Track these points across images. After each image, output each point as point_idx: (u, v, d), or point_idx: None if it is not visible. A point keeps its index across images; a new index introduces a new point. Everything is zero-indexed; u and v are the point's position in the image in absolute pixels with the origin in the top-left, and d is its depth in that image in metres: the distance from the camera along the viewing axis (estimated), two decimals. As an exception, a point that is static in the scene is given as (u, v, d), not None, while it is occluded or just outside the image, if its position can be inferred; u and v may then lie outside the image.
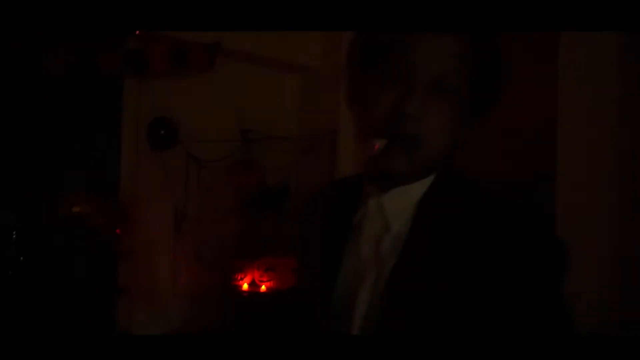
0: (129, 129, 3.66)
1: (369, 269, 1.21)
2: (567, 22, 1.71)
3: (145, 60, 3.40)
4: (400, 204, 1.22)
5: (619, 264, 2.24)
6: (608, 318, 2.18)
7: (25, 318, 2.96)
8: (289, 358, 1.15)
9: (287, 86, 4.05)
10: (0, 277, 3.04)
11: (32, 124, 3.39)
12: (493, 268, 1.10)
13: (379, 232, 1.22)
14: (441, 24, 1.12)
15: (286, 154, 3.85)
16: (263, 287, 3.51)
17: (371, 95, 1.19)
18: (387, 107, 1.16)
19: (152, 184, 3.64)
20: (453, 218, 1.17)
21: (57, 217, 3.19)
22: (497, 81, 1.22)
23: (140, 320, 3.60)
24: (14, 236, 3.05)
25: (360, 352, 1.11)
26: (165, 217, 3.64)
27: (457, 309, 1.10)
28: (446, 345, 1.06)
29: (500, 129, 2.50)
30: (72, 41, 3.25)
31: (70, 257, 3.17)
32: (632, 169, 2.24)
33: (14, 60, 3.17)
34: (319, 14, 2.33)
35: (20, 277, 3.07)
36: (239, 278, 3.51)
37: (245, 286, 3.51)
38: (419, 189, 1.22)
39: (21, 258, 3.07)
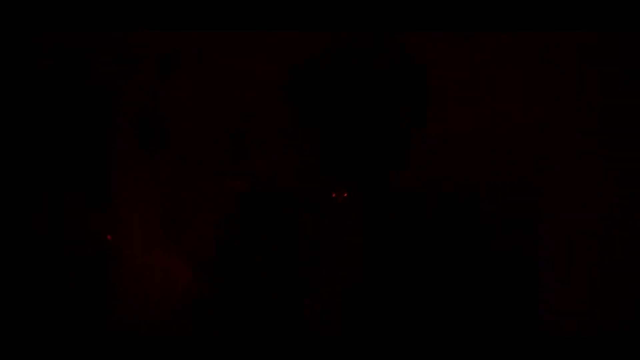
0: (119, 135, 3.64)
1: None
2: (567, 22, 1.71)
3: (135, 64, 3.39)
4: None
5: (603, 266, 2.24)
6: (591, 319, 2.17)
7: (20, 319, 2.95)
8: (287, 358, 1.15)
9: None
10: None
11: (21, 124, 3.38)
12: None
13: None
14: (441, 24, 1.12)
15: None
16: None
17: None
18: None
19: (143, 186, 3.63)
20: None
21: (45, 221, 3.18)
22: None
23: (131, 323, 3.59)
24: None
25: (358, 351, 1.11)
26: (156, 221, 3.62)
27: None
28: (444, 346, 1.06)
29: (486, 133, 2.49)
30: (65, 43, 3.25)
31: (60, 261, 3.16)
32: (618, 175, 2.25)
33: (9, 60, 3.16)
34: (319, 14, 2.32)
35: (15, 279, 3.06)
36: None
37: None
38: None
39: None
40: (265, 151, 3.78)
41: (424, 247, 1.16)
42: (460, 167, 2.57)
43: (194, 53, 3.46)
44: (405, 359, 1.08)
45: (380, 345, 1.07)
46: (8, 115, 3.41)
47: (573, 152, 2.46)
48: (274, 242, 1.47)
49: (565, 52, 2.44)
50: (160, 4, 2.54)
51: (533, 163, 2.54)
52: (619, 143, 2.37)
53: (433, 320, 1.07)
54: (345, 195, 1.52)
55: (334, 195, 1.50)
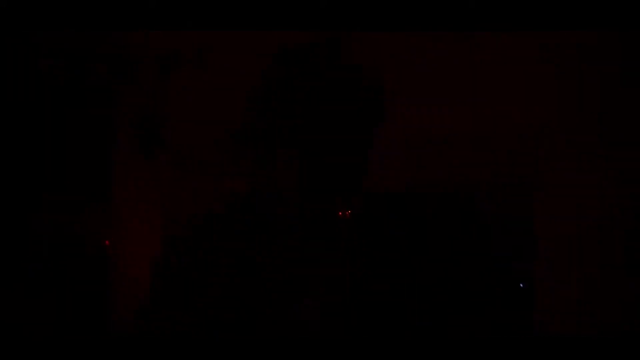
0: (119, 135, 3.64)
1: None
2: (567, 22, 1.71)
3: (135, 64, 3.39)
4: None
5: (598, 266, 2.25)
6: (590, 319, 2.18)
7: (20, 319, 2.95)
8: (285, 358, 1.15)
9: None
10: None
11: (21, 124, 3.38)
12: None
13: None
14: (441, 24, 1.12)
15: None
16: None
17: None
18: None
19: (143, 187, 3.62)
20: None
21: (45, 226, 3.18)
22: None
23: (131, 323, 3.59)
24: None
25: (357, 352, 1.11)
26: (156, 223, 3.62)
27: None
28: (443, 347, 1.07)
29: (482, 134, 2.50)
30: (65, 43, 3.25)
31: (60, 261, 3.17)
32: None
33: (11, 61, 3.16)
34: (319, 13, 2.32)
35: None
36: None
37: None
38: None
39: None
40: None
41: (424, 247, 1.17)
42: (460, 167, 2.57)
43: (194, 53, 3.46)
44: (405, 358, 1.08)
45: (380, 345, 1.07)
46: (8, 115, 3.41)
47: (573, 152, 2.46)
48: (274, 242, 1.47)
49: (565, 52, 2.44)
50: (160, 4, 2.54)
51: (533, 163, 2.54)
52: (619, 143, 2.37)
53: (432, 319, 1.07)
54: (349, 213, 1.53)
55: (340, 214, 1.51)
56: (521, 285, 2.15)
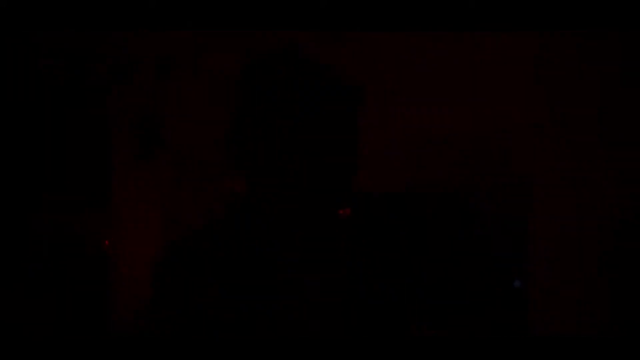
0: (118, 135, 3.65)
1: None
2: (567, 22, 1.71)
3: (135, 64, 3.39)
4: None
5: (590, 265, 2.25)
6: (590, 319, 2.18)
7: (20, 319, 2.96)
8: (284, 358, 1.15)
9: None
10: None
11: (21, 124, 3.38)
12: None
13: None
14: (441, 24, 1.12)
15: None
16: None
17: None
18: None
19: (143, 187, 3.63)
20: None
21: (43, 226, 3.19)
22: None
23: (131, 323, 3.59)
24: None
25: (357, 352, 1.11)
26: (155, 223, 3.62)
27: None
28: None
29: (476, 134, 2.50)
30: (65, 43, 3.25)
31: (60, 261, 3.17)
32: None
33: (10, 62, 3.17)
34: (319, 13, 2.33)
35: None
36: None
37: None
38: None
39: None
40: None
41: (421, 247, 1.17)
42: (460, 167, 2.57)
43: (193, 53, 3.47)
44: (404, 358, 1.08)
45: (379, 346, 1.08)
46: (8, 115, 3.41)
47: (573, 153, 2.46)
48: (274, 242, 1.48)
49: (565, 52, 2.44)
50: (160, 4, 2.54)
51: (533, 163, 2.55)
52: (619, 143, 2.37)
53: (431, 320, 1.07)
54: (349, 211, 1.53)
55: (340, 212, 1.51)
56: (517, 284, 2.15)
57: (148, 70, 3.44)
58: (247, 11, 2.72)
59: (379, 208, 1.36)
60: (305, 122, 1.26)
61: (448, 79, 2.60)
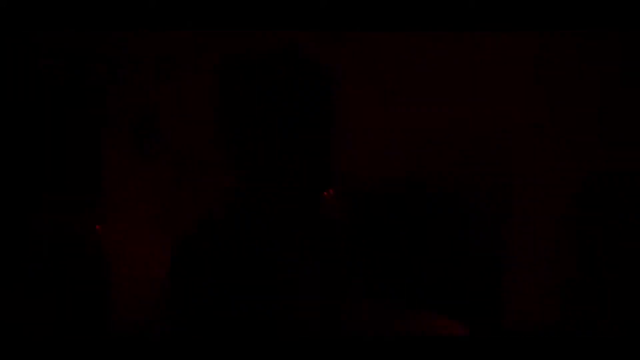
0: (119, 131, 3.64)
1: None
2: (567, 22, 1.71)
3: (135, 64, 3.39)
4: None
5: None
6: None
7: (20, 319, 2.95)
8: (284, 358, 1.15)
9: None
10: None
11: (21, 124, 3.38)
12: None
13: None
14: (441, 24, 1.12)
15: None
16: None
17: None
18: None
19: (143, 187, 3.63)
20: None
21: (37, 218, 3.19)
22: None
23: (131, 323, 3.59)
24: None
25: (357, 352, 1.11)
26: (155, 220, 3.62)
27: None
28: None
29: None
30: (65, 43, 3.25)
31: (60, 261, 3.17)
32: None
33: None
34: (319, 13, 2.33)
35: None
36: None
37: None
38: None
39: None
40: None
41: (423, 246, 1.17)
42: (460, 167, 2.57)
43: (193, 53, 3.47)
44: (404, 357, 1.08)
45: (379, 345, 1.07)
46: (8, 115, 3.41)
47: (572, 152, 2.46)
48: (273, 242, 1.48)
49: (565, 52, 2.44)
50: (160, 4, 2.54)
51: (532, 163, 2.55)
52: (619, 143, 2.37)
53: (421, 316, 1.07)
54: (332, 191, 1.53)
55: (325, 194, 1.51)
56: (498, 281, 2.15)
57: (149, 69, 3.44)
58: (247, 11, 2.73)
59: (378, 208, 1.36)
60: (285, 114, 1.28)
61: (448, 79, 2.60)
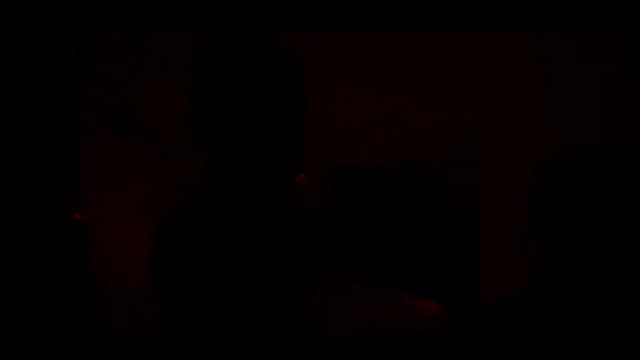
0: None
1: None
2: (567, 22, 1.72)
3: (135, 64, 3.39)
4: None
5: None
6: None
7: (20, 319, 2.96)
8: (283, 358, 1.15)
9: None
10: None
11: (21, 124, 3.39)
12: None
13: None
14: (441, 24, 1.12)
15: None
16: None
17: None
18: None
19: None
20: None
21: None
22: None
23: (131, 323, 3.59)
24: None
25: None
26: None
27: None
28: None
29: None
30: (65, 43, 3.25)
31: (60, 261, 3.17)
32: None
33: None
34: (319, 13, 2.33)
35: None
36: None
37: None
38: None
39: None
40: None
41: (397, 228, 1.19)
42: (459, 167, 2.58)
43: (193, 53, 3.47)
44: (403, 357, 1.08)
45: (377, 345, 1.08)
46: (8, 115, 3.41)
47: (572, 152, 2.46)
48: (273, 242, 1.48)
49: (565, 52, 2.44)
50: (160, 4, 2.54)
51: (532, 162, 2.55)
52: (619, 143, 2.37)
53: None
54: (302, 176, 1.54)
55: (297, 179, 1.53)
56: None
57: (149, 69, 3.44)
58: (247, 11, 2.73)
59: (378, 206, 1.36)
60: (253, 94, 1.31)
61: (448, 79, 2.60)
